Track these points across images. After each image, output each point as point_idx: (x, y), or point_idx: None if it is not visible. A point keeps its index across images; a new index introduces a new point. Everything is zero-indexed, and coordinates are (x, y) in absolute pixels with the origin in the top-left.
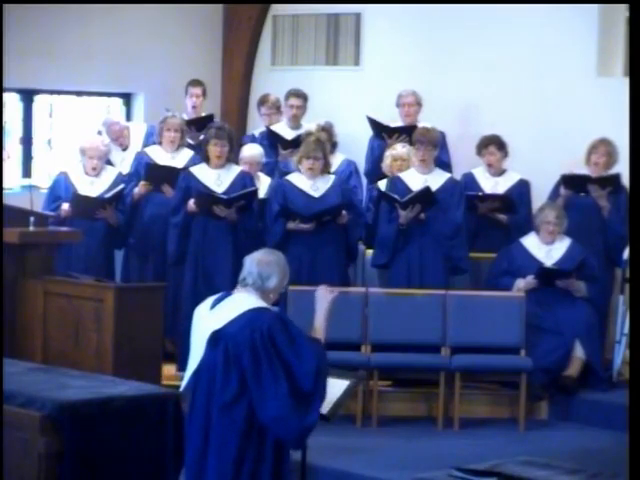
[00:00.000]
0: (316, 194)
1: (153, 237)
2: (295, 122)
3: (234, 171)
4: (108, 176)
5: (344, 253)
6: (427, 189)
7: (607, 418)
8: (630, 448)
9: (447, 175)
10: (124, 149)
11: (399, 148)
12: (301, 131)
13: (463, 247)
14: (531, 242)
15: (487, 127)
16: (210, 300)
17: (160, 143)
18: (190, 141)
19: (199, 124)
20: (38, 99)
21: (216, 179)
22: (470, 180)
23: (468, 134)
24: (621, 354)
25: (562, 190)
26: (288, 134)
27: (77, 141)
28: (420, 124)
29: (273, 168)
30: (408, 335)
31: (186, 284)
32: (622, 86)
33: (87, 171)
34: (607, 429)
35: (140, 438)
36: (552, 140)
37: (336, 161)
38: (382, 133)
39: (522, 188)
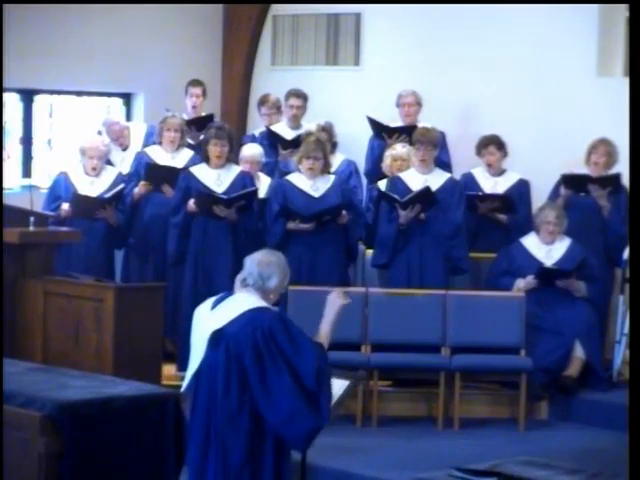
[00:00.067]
0: (316, 194)
1: (153, 237)
2: (295, 122)
3: (234, 171)
4: (108, 176)
5: (344, 253)
6: (427, 189)
7: (607, 418)
8: (630, 448)
9: (447, 175)
10: (124, 149)
11: (399, 148)
12: (301, 131)
13: (463, 247)
14: (531, 242)
15: (487, 127)
16: (210, 301)
17: (160, 143)
18: (190, 141)
19: (199, 124)
20: (38, 99)
21: (216, 179)
22: (470, 180)
23: (468, 134)
24: (621, 354)
25: (562, 190)
26: (288, 134)
27: (77, 141)
28: (420, 124)
29: (273, 168)
30: (408, 335)
31: (186, 284)
32: (622, 86)
33: (87, 171)
34: (607, 429)
35: (140, 438)
36: (552, 140)
37: (336, 161)
38: (382, 133)
39: (522, 188)
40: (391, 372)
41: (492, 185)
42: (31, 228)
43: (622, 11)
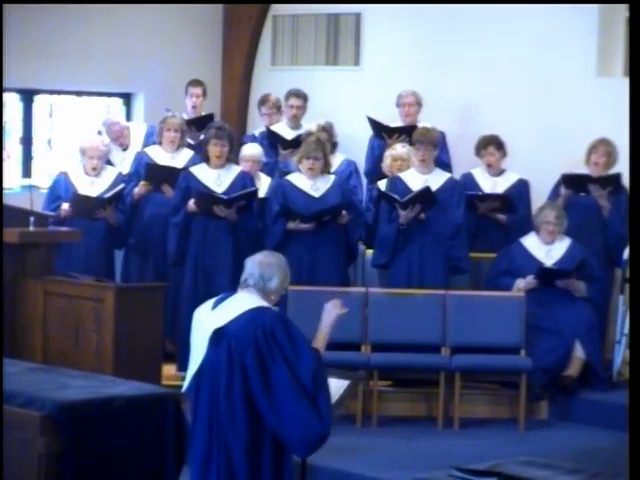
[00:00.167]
0: (316, 194)
1: (153, 237)
2: (295, 122)
3: (234, 171)
4: (108, 176)
5: (344, 253)
6: (427, 189)
7: (607, 418)
8: (630, 448)
9: (447, 175)
10: (124, 149)
11: (399, 148)
12: (301, 131)
13: (463, 247)
14: (531, 242)
15: (487, 127)
16: (210, 302)
17: (160, 143)
18: (190, 141)
19: (199, 124)
20: (38, 99)
21: (216, 179)
22: (469, 180)
23: (468, 134)
24: (621, 354)
25: (562, 190)
26: (288, 134)
27: (77, 141)
28: (420, 124)
29: (273, 168)
30: (408, 335)
31: (186, 284)
32: (622, 86)
33: (87, 171)
34: (607, 429)
35: (140, 438)
36: (552, 140)
37: (336, 161)
38: (382, 133)
39: (521, 188)
40: (391, 372)
41: (491, 185)
42: (31, 228)
43: (622, 11)
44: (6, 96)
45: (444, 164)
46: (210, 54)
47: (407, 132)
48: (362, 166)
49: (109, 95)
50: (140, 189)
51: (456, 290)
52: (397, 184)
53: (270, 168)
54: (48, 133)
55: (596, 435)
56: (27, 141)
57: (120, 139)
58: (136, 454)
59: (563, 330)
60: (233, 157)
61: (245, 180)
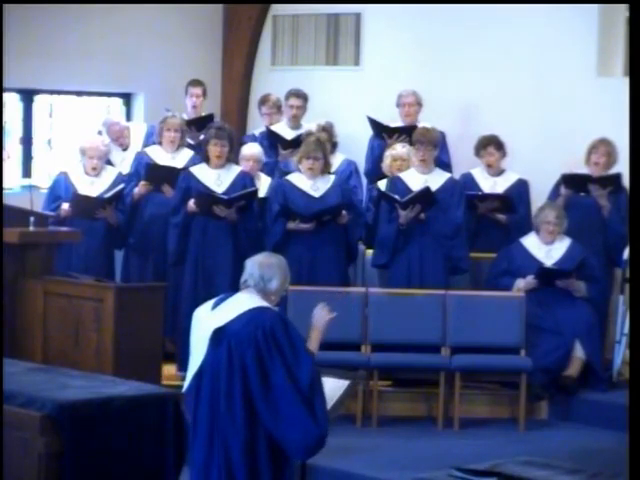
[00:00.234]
0: (316, 194)
1: (153, 237)
2: (295, 122)
3: (234, 171)
4: (108, 176)
5: (344, 253)
6: (427, 189)
7: (607, 418)
8: (630, 448)
9: (447, 175)
10: (124, 149)
11: (399, 148)
12: (301, 131)
13: (463, 247)
14: (531, 242)
15: (487, 127)
16: (209, 303)
17: (160, 143)
18: (190, 141)
19: (199, 124)
20: (38, 99)
21: (216, 179)
22: (469, 180)
23: (468, 134)
24: (621, 354)
25: (562, 189)
26: (288, 134)
27: (77, 141)
28: (420, 124)
29: (273, 168)
30: (408, 335)
31: (186, 284)
32: (622, 86)
33: (87, 171)
34: (607, 429)
35: (140, 438)
36: (552, 140)
37: (336, 161)
38: (382, 133)
39: (521, 188)
40: (391, 372)
41: (491, 185)
42: (31, 228)
43: (622, 11)
44: (6, 96)
45: (444, 164)
46: (210, 54)
47: (407, 132)
48: (362, 166)
49: (109, 95)
50: (140, 189)
51: (456, 290)
52: (397, 184)
53: (270, 168)
54: (48, 133)
55: (596, 435)
56: (27, 141)
57: (120, 139)
58: (136, 454)
59: (563, 330)
60: (233, 157)
61: (245, 180)
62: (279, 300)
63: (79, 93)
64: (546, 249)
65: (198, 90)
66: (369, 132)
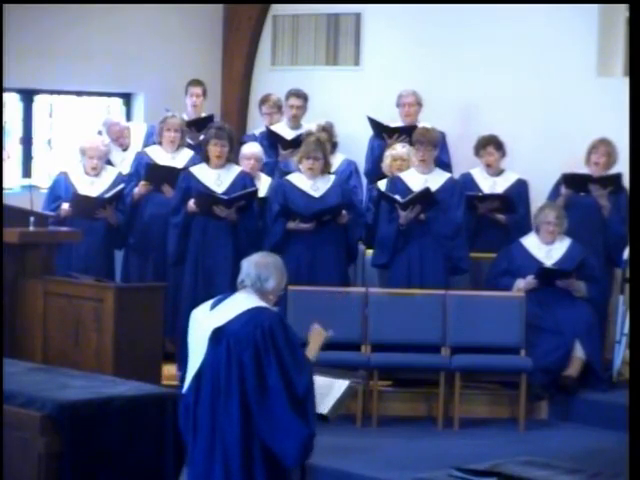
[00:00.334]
0: (316, 194)
1: (153, 237)
2: (295, 122)
3: (234, 171)
4: (108, 176)
5: (344, 253)
6: (427, 190)
7: (607, 418)
8: (630, 448)
9: (447, 175)
10: (124, 149)
11: (399, 148)
12: (301, 131)
13: (463, 247)
14: (531, 242)
15: (487, 127)
16: (208, 304)
17: (160, 143)
18: (190, 141)
19: (199, 124)
20: (38, 99)
21: (216, 179)
22: (468, 180)
23: (468, 134)
24: (621, 354)
25: (563, 189)
26: (288, 134)
27: (77, 141)
28: (420, 124)
29: (273, 168)
30: (408, 335)
31: (186, 284)
32: (622, 86)
33: (87, 171)
34: (607, 429)
35: (140, 438)
36: (552, 140)
37: (336, 161)
38: (382, 133)
39: (520, 188)
40: (391, 372)
41: (490, 185)
42: (31, 228)
43: (622, 11)
44: (6, 96)
45: (444, 164)
46: (210, 54)
47: (407, 132)
48: (362, 166)
49: (109, 95)
50: (140, 189)
51: (456, 290)
52: (397, 184)
53: (270, 168)
54: (48, 133)
55: (596, 435)
56: (27, 141)
57: (120, 139)
58: (136, 454)
59: (563, 330)
60: (233, 157)
61: (245, 180)
62: (276, 299)
63: (79, 93)
64: (546, 249)
65: (198, 90)
66: (369, 132)
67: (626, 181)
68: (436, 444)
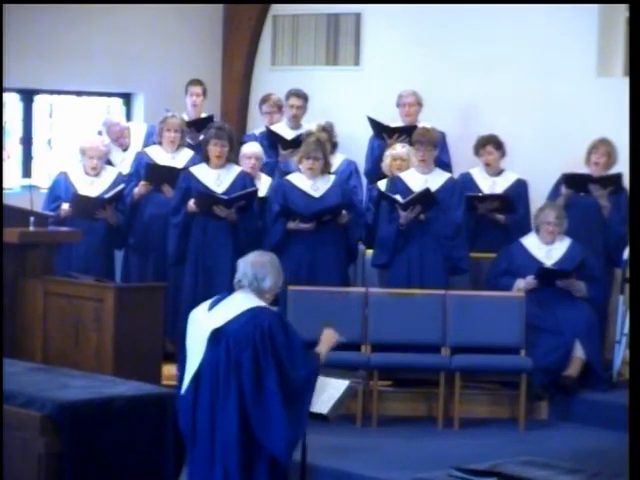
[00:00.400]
0: (316, 194)
1: (153, 237)
2: (295, 122)
3: (234, 171)
4: (108, 176)
5: (344, 253)
6: (427, 191)
7: (607, 418)
8: (630, 448)
9: (447, 175)
10: (124, 149)
11: (399, 148)
12: (301, 131)
13: (463, 247)
14: (531, 242)
15: (487, 127)
16: (206, 304)
17: (160, 143)
18: (190, 141)
19: (199, 125)
20: (38, 99)
21: (216, 179)
22: (468, 180)
23: (468, 134)
24: (621, 354)
25: (563, 189)
26: (288, 134)
27: (77, 141)
28: (420, 124)
29: (273, 168)
30: (408, 335)
31: (186, 284)
32: (622, 86)
33: (87, 171)
34: (607, 429)
35: (140, 438)
36: (552, 140)
37: (336, 161)
38: (382, 133)
39: (520, 188)
40: (391, 372)
41: (490, 185)
42: (31, 228)
43: (622, 11)
44: (6, 96)
45: (444, 164)
46: (210, 54)
47: (407, 132)
48: (362, 166)
49: (109, 95)
50: (140, 189)
51: (456, 290)
52: (397, 184)
53: (270, 168)
54: (48, 133)
55: (596, 435)
56: (27, 141)
57: (120, 139)
58: (136, 454)
59: (563, 330)
60: (233, 157)
61: (245, 180)
62: (273, 298)
63: (79, 93)
64: (546, 249)
65: (198, 89)
66: (369, 132)
67: (626, 181)
68: (436, 444)
